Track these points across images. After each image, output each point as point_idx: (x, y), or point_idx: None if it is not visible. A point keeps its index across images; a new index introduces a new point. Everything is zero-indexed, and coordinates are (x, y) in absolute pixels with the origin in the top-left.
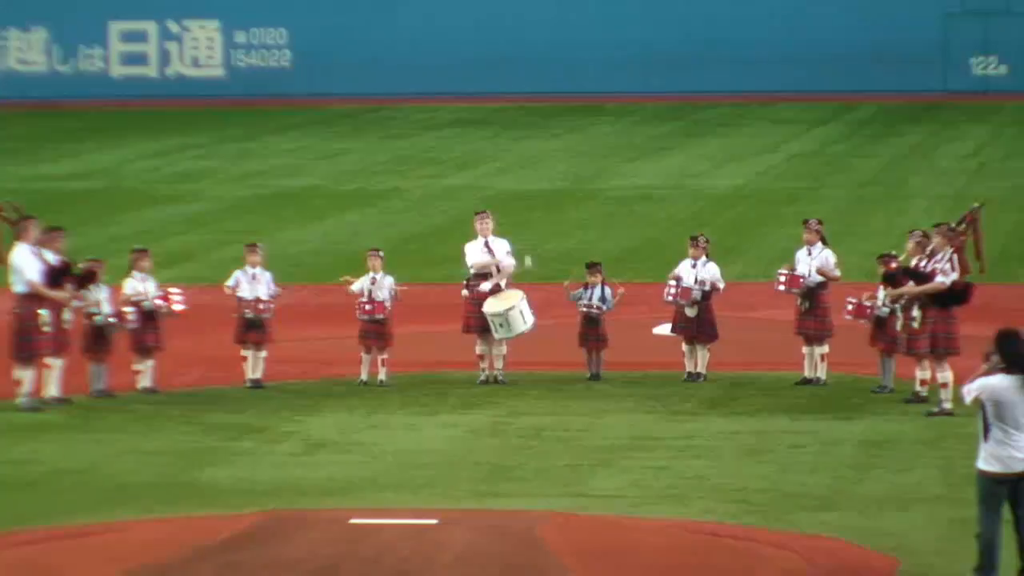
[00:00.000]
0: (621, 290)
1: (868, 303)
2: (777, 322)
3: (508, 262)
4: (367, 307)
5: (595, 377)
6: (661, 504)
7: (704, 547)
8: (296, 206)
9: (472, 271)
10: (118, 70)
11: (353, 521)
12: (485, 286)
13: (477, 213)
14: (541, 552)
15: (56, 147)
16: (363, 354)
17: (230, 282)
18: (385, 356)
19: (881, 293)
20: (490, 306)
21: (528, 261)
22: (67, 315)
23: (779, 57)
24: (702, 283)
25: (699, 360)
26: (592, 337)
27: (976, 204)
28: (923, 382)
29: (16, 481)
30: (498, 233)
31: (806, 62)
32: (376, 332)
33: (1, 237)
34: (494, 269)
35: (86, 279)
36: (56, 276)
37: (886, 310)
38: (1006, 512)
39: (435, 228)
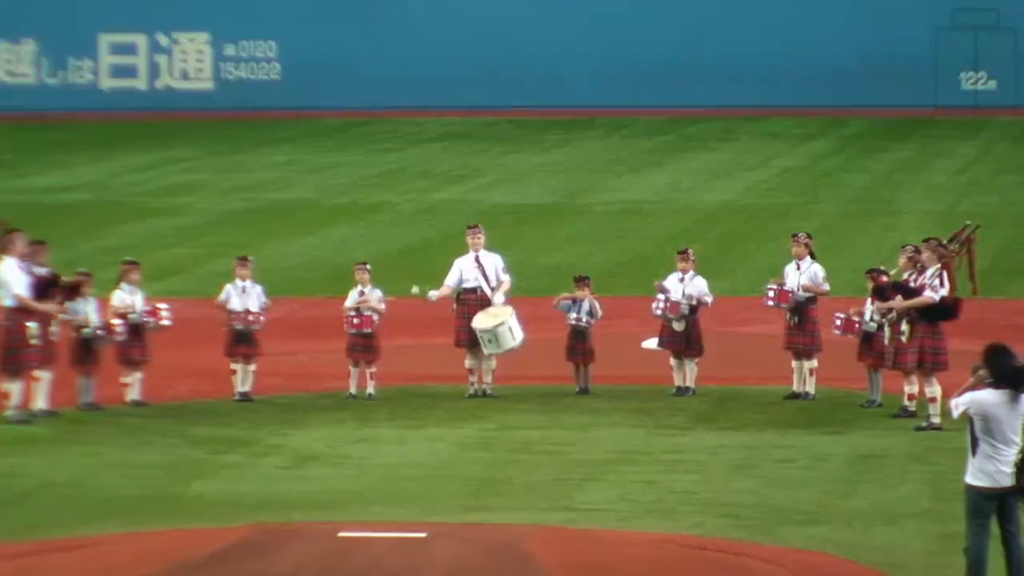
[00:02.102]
0: (605, 305)
1: (856, 318)
2: (766, 336)
3: (505, 277)
4: (355, 320)
5: (583, 391)
6: (649, 518)
7: (692, 561)
8: (285, 219)
9: (446, 289)
10: (107, 83)
11: (341, 535)
12: (433, 294)
13: (469, 227)
14: (529, 566)
15: (44, 159)
16: (351, 367)
17: (222, 296)
18: (373, 369)
19: (869, 308)
20: (480, 322)
21: (415, 289)
22: (55, 328)
23: (769, 72)
24: (689, 298)
25: (687, 374)
26: (580, 351)
27: (970, 223)
28: (911, 396)
29: (4, 494)
30: (489, 247)
31: (796, 77)
32: (364, 345)
33: None
34: (485, 288)
35: (73, 291)
36: (43, 289)
37: (874, 325)
38: (994, 527)
39: (425, 242)
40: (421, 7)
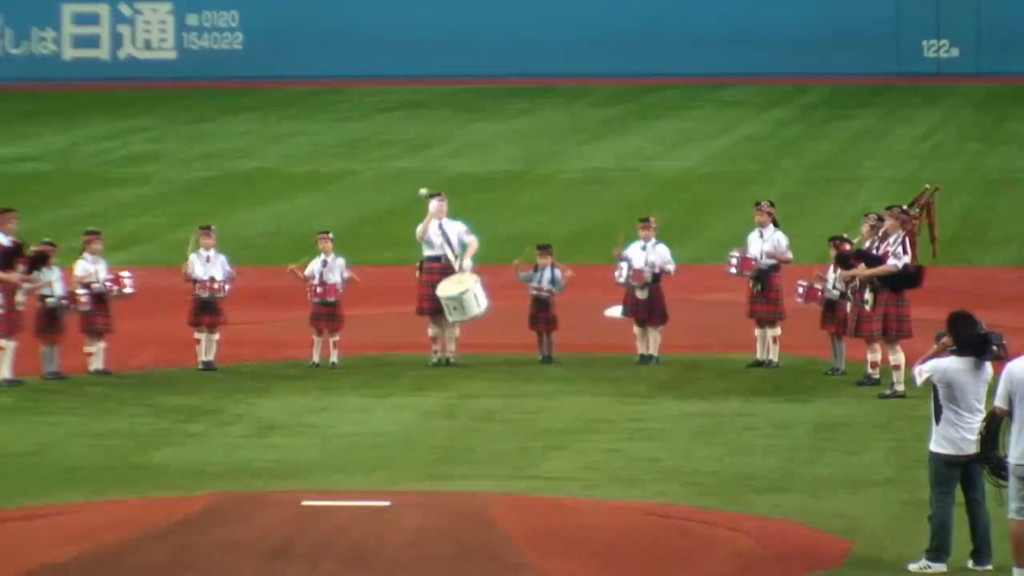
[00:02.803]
0: (570, 272)
1: (819, 286)
2: (729, 304)
3: (470, 239)
4: (318, 289)
5: (547, 359)
6: (613, 486)
7: (656, 529)
8: (248, 189)
9: (423, 245)
10: (70, 52)
11: (305, 503)
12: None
13: (430, 195)
14: (494, 534)
15: (7, 129)
16: (315, 336)
17: (186, 268)
18: (337, 338)
19: (831, 275)
20: (444, 289)
21: (423, 191)
22: (19, 297)
23: (731, 39)
24: (652, 265)
25: (651, 342)
26: (542, 319)
27: (929, 186)
28: (874, 364)
29: None
30: (452, 216)
31: (758, 45)
32: (327, 314)
33: None
34: (449, 256)
35: (38, 261)
36: (7, 258)
37: (836, 293)
38: (958, 494)
39: (387, 210)
40: None
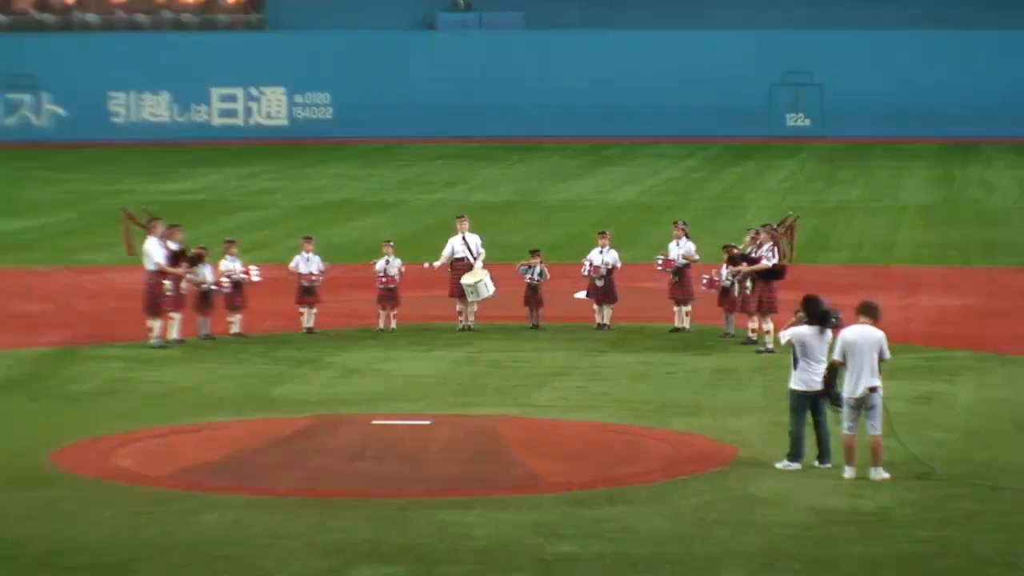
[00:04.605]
0: (551, 269)
1: (716, 278)
2: (657, 290)
3: (482, 251)
4: (383, 279)
5: (535, 327)
6: (579, 411)
7: (608, 439)
8: (336, 211)
9: (443, 258)
10: (217, 120)
11: (374, 422)
12: (434, 264)
13: (458, 217)
14: (499, 443)
15: (176, 173)
16: (380, 311)
17: (292, 264)
18: (395, 312)
19: (724, 271)
20: (465, 279)
21: (426, 265)
22: (183, 285)
23: (659, 113)
24: (607, 264)
25: (605, 315)
26: (533, 300)
27: (792, 213)
28: (753, 330)
29: (150, 395)
30: (472, 230)
31: (677, 116)
32: (389, 296)
33: (132, 236)
34: (470, 257)
35: (195, 260)
36: (175, 258)
37: (728, 282)
38: (808, 417)
39: (429, 227)
40: (423, 72)
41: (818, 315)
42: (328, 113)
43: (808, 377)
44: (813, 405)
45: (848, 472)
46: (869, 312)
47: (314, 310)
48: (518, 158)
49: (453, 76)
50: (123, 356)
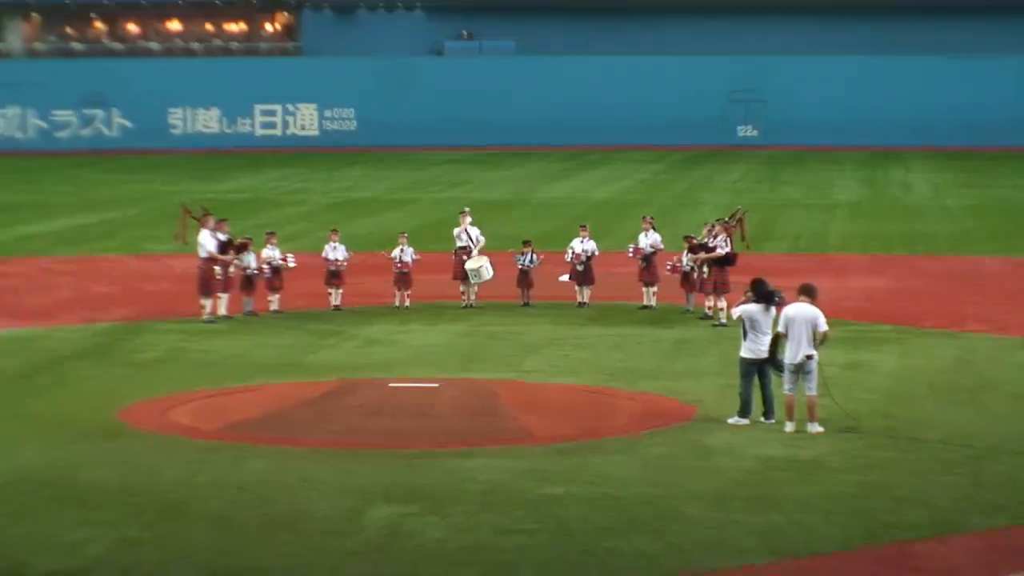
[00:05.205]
0: (542, 256)
1: (678, 264)
2: (629, 274)
3: (482, 239)
4: (398, 264)
5: (527, 305)
6: (563, 376)
7: (588, 399)
8: (360, 208)
9: (459, 244)
10: (259, 131)
11: (391, 385)
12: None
13: (461, 211)
14: (496, 402)
15: (224, 175)
16: (396, 291)
17: (323, 252)
18: (409, 292)
19: (685, 258)
20: (468, 264)
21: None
22: (231, 269)
23: (631, 125)
24: (586, 252)
25: (585, 295)
26: (525, 283)
27: (741, 208)
28: (709, 308)
29: (202, 362)
30: (473, 224)
31: (646, 128)
32: (403, 279)
33: (187, 227)
34: (471, 245)
35: (241, 248)
36: (224, 247)
37: (688, 267)
38: (756, 380)
39: (438, 221)
40: (433, 91)
41: (764, 295)
42: (353, 125)
43: (755, 347)
44: (760, 370)
45: (789, 426)
46: (807, 292)
47: (340, 290)
48: (512, 163)
49: (458, 94)
50: (179, 330)
